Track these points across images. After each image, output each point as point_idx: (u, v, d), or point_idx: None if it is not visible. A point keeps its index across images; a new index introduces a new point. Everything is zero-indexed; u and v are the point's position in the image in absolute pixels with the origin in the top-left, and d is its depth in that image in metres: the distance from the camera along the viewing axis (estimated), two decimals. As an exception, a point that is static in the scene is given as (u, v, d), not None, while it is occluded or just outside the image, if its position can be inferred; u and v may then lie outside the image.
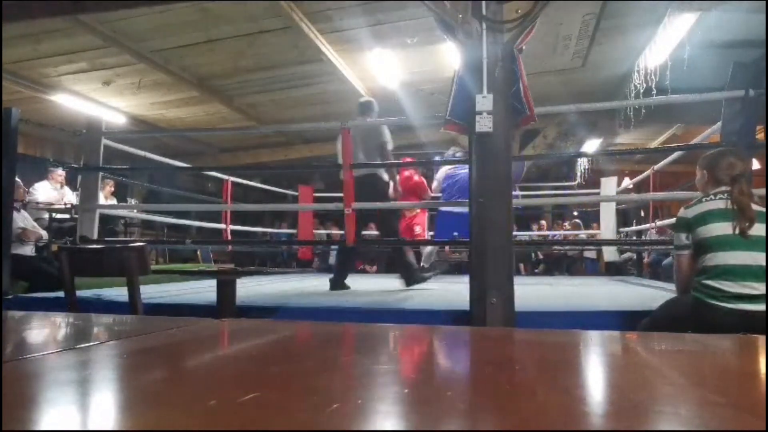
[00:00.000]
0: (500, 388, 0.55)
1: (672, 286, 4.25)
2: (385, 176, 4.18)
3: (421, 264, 5.45)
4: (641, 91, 5.78)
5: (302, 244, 7.28)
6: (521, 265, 8.52)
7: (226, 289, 2.73)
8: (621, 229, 6.70)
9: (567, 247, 8.41)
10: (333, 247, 8.74)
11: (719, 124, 3.61)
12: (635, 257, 7.22)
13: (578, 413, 0.46)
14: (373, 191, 4.02)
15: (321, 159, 9.20)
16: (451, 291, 4.05)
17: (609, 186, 6.19)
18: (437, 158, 5.16)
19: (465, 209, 4.79)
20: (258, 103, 7.42)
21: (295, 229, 7.38)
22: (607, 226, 6.15)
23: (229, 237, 5.85)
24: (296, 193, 7.28)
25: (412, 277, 4.12)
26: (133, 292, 2.23)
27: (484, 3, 2.50)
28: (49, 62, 5.77)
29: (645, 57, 5.66)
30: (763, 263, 2.02)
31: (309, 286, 4.77)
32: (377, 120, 4.25)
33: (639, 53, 5.78)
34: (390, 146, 4.16)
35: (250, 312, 2.89)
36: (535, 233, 8.79)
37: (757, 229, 2.07)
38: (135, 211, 6.76)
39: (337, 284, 4.13)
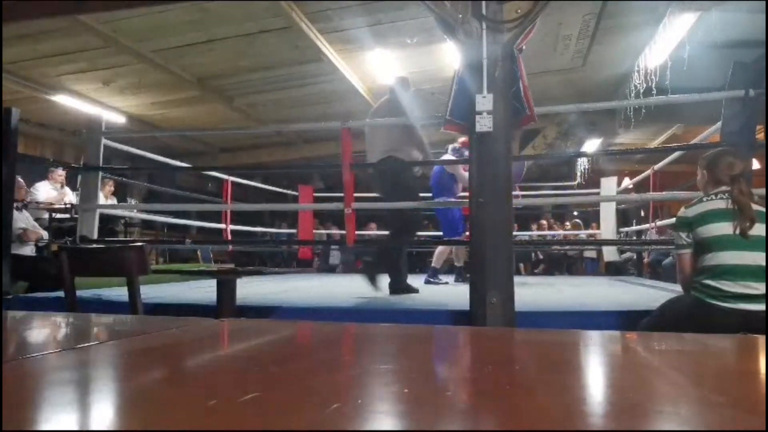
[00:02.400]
0: (500, 388, 0.55)
1: (672, 286, 4.26)
2: (414, 155, 3.63)
3: (432, 265, 5.38)
4: (641, 90, 5.78)
5: (302, 244, 7.28)
6: (521, 265, 8.52)
7: (226, 289, 2.73)
8: (621, 229, 6.70)
9: (567, 247, 8.41)
10: (333, 246, 8.78)
11: (719, 124, 3.61)
12: (635, 257, 7.22)
13: (578, 413, 0.46)
14: (394, 178, 3.54)
15: (321, 159, 9.20)
16: (451, 291, 4.05)
17: (609, 186, 6.19)
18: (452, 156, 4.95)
19: (446, 208, 4.76)
20: (258, 103, 7.42)
21: (295, 229, 7.38)
22: (607, 226, 6.15)
23: (229, 237, 5.85)
24: (296, 193, 7.28)
25: (372, 280, 3.50)
26: (133, 292, 2.22)
27: (484, 3, 2.50)
28: (49, 62, 5.78)
29: (645, 57, 5.66)
30: (763, 263, 2.02)
31: (309, 286, 4.78)
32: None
33: (639, 53, 5.78)
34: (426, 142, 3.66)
35: (250, 312, 2.89)
36: (535, 233, 8.79)
37: (758, 229, 2.07)
38: (135, 211, 6.76)
39: (399, 287, 3.52)
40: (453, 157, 4.85)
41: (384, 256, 3.66)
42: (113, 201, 6.52)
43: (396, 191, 3.55)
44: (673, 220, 2.45)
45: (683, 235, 2.22)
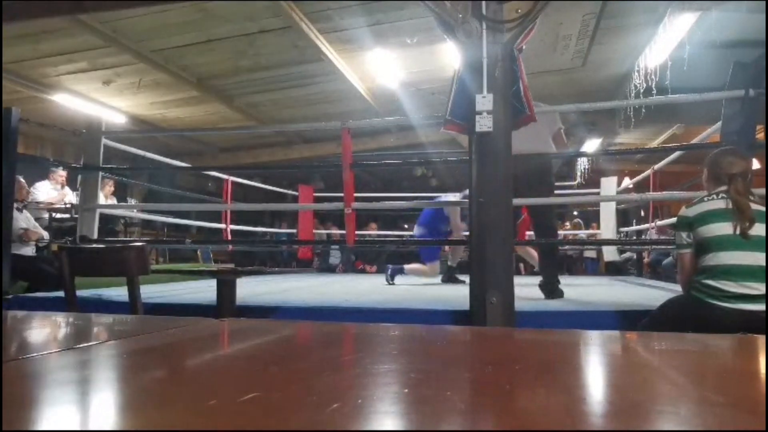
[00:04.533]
0: (500, 388, 0.55)
1: (672, 286, 4.25)
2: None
3: (448, 264, 5.37)
4: (641, 90, 5.78)
5: (302, 244, 7.29)
6: (521, 265, 8.51)
7: (226, 289, 2.73)
8: (621, 229, 6.70)
9: (567, 247, 8.41)
10: (333, 246, 8.78)
11: (719, 124, 3.61)
12: (635, 257, 7.22)
13: (578, 413, 0.46)
14: (540, 181, 3.53)
15: (321, 159, 9.21)
16: (451, 291, 4.05)
17: (609, 186, 6.19)
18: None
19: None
20: (258, 103, 7.42)
21: (295, 229, 7.39)
22: (607, 226, 6.15)
23: (229, 237, 5.85)
24: (296, 193, 7.28)
25: (555, 289, 3.47)
26: (133, 292, 2.22)
27: (484, 3, 2.50)
28: (49, 62, 5.77)
29: (645, 57, 5.66)
30: (764, 263, 2.02)
31: (309, 286, 4.77)
32: (555, 108, 3.87)
33: (639, 53, 5.77)
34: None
35: (250, 312, 2.89)
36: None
37: (758, 229, 2.06)
38: (135, 211, 6.77)
39: (553, 290, 3.48)
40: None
41: (548, 261, 3.66)
42: (113, 201, 6.52)
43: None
44: (673, 219, 2.45)
45: (684, 234, 2.22)
